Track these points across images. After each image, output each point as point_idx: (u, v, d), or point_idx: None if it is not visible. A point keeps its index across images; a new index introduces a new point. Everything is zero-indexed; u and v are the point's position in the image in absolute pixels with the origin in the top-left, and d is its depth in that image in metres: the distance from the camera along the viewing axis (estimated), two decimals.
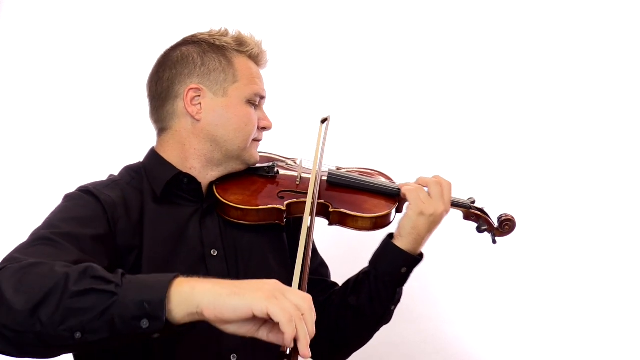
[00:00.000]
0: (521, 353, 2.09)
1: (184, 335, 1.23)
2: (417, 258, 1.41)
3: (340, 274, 1.56)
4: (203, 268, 1.30)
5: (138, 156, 1.42)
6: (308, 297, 0.96)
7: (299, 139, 1.92)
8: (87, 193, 1.25)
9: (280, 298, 0.93)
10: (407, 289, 1.47)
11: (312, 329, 0.94)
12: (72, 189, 1.29)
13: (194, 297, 0.93)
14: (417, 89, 2.21)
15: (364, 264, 1.45)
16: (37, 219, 1.21)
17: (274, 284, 0.97)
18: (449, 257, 2.10)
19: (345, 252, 1.76)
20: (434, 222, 1.38)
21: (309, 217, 1.27)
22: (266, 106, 1.45)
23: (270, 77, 1.47)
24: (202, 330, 1.23)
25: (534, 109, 2.16)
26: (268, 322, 0.95)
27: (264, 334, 0.96)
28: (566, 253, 2.09)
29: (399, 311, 1.48)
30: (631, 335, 2.03)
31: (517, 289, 2.09)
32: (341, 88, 2.21)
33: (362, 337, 1.49)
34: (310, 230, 1.23)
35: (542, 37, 2.17)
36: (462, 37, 2.21)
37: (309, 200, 1.31)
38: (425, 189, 1.41)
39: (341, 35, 2.23)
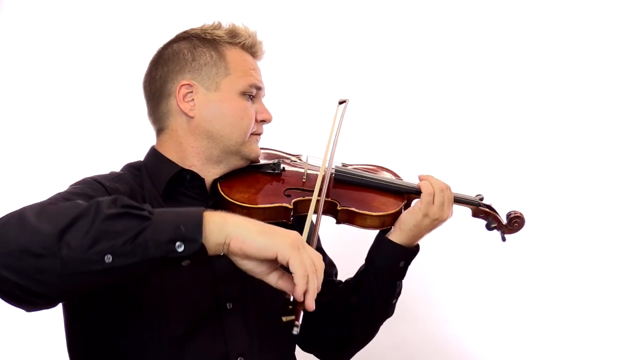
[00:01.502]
0: (521, 353, 2.08)
1: (190, 338, 1.20)
2: (414, 250, 1.39)
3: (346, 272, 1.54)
4: (209, 266, 1.26)
5: (137, 155, 1.40)
6: (320, 256, 1.00)
7: (304, 133, 1.92)
8: (95, 182, 1.22)
9: (302, 250, 0.96)
10: (407, 289, 1.46)
11: (319, 286, 0.98)
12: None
13: (226, 227, 0.95)
14: (425, 84, 2.23)
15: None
16: None
17: (296, 235, 0.99)
18: (449, 257, 2.13)
19: (351, 249, 1.76)
20: (436, 225, 1.38)
21: (321, 188, 1.28)
22: (270, 100, 1.41)
23: (274, 71, 1.45)
24: (209, 333, 1.22)
25: (540, 106, 2.19)
26: (279, 269, 0.99)
27: (273, 279, 1.00)
28: (566, 252, 2.09)
29: (400, 312, 1.47)
30: (631, 336, 2.01)
31: (517, 289, 2.09)
32: (348, 82, 2.20)
33: (367, 334, 1.47)
34: (319, 202, 1.26)
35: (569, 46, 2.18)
36: (469, 37, 2.24)
37: (320, 176, 1.30)
38: None
39: (349, 29, 2.25)
